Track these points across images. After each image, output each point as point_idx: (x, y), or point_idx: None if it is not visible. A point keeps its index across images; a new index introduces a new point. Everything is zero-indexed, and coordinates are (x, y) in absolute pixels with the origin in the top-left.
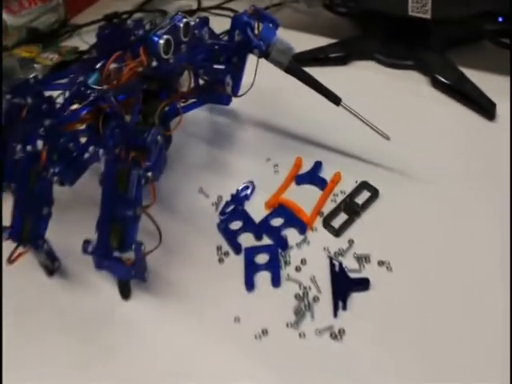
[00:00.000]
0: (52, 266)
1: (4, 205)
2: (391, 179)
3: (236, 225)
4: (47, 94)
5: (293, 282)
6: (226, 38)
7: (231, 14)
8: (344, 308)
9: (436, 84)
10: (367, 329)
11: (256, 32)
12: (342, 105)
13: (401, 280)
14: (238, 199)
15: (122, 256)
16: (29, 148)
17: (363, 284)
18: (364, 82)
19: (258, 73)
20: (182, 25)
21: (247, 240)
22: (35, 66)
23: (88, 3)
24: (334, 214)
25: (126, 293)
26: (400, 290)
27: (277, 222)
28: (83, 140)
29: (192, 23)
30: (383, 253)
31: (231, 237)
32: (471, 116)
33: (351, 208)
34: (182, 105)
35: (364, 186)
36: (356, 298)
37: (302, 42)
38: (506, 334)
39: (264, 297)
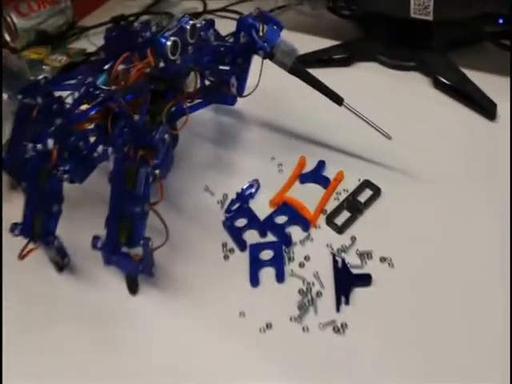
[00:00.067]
0: (62, 262)
1: (15, 202)
2: (393, 178)
3: (241, 222)
4: (57, 94)
5: (296, 278)
6: (231, 40)
7: (236, 17)
8: (346, 303)
9: (438, 85)
10: (369, 323)
11: (261, 34)
12: (345, 105)
13: (402, 276)
14: (243, 197)
15: (130, 252)
16: (39, 147)
17: (365, 280)
18: (367, 82)
19: (263, 74)
20: (188, 27)
21: (252, 237)
22: (44, 67)
23: (95, 6)
24: (336, 211)
25: (133, 288)
26: (401, 286)
27: (281, 219)
28: (92, 139)
29: (198, 25)
30: (385, 249)
31: (236, 234)
32: (472, 116)
33: (354, 206)
34: (189, 105)
35: (366, 184)
36: (358, 294)
37: (306, 43)
38: (506, 334)
39: (268, 292)
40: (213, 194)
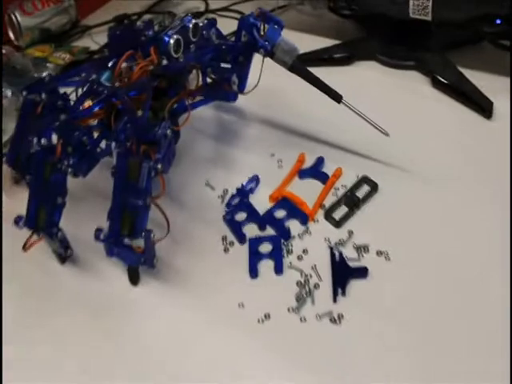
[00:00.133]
0: (65, 253)
1: (19, 197)
2: (390, 174)
3: (241, 216)
4: (61, 91)
5: (295, 270)
6: (232, 39)
7: (238, 16)
8: (343, 294)
9: (436, 84)
10: (365, 314)
11: (262, 33)
12: (343, 102)
13: (398, 269)
14: (243, 192)
15: (132, 244)
16: (44, 141)
17: (362, 272)
18: (366, 81)
19: (264, 72)
20: (191, 26)
21: (251, 231)
22: (48, 65)
23: (98, 5)
24: (335, 206)
25: (135, 279)
26: (397, 279)
27: (280, 213)
28: (96, 135)
29: (200, 24)
30: (381, 243)
31: (236, 227)
32: (469, 114)
33: (352, 201)
34: (190, 102)
35: (364, 180)
36: (355, 286)
37: (307, 42)
38: (503, 325)
39: (267, 284)
40: (213, 188)
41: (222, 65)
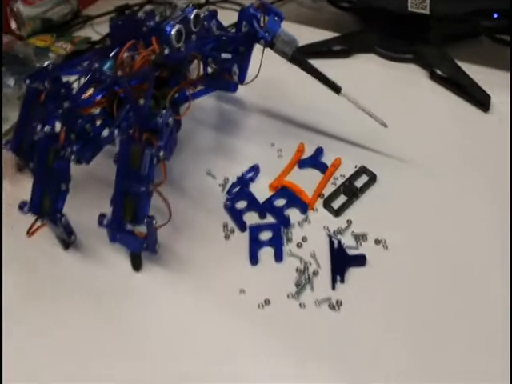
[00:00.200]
0: (68, 239)
1: (22, 184)
2: (388, 164)
3: (241, 204)
4: (64, 79)
5: (294, 258)
6: (233, 30)
7: (238, 8)
8: (342, 281)
9: (434, 77)
10: (363, 301)
11: (262, 24)
12: (343, 93)
13: (396, 257)
14: (244, 181)
15: (134, 229)
16: (47, 128)
17: (360, 260)
18: (365, 74)
19: (264, 63)
20: (192, 16)
21: (252, 218)
22: (50, 54)
23: None
24: (334, 195)
25: (137, 265)
26: (395, 267)
27: (280, 202)
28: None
29: (201, 15)
30: (379, 232)
31: (237, 215)
32: (467, 107)
33: (350, 190)
34: (191, 91)
35: (363, 170)
36: (353, 273)
37: (307, 35)
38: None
39: (267, 270)
40: (214, 177)
41: (223, 55)
